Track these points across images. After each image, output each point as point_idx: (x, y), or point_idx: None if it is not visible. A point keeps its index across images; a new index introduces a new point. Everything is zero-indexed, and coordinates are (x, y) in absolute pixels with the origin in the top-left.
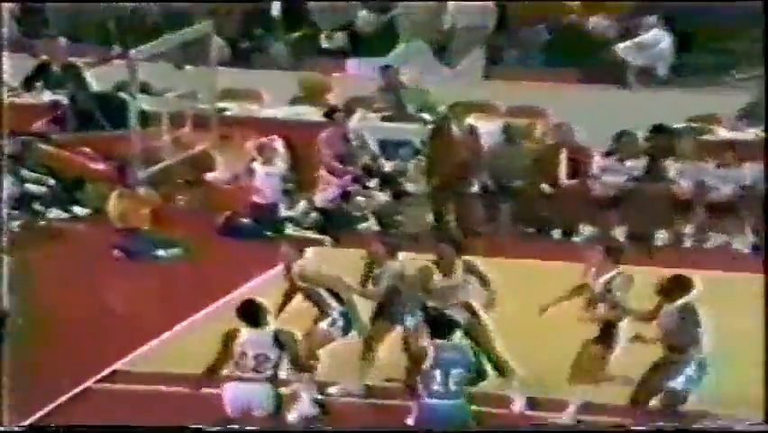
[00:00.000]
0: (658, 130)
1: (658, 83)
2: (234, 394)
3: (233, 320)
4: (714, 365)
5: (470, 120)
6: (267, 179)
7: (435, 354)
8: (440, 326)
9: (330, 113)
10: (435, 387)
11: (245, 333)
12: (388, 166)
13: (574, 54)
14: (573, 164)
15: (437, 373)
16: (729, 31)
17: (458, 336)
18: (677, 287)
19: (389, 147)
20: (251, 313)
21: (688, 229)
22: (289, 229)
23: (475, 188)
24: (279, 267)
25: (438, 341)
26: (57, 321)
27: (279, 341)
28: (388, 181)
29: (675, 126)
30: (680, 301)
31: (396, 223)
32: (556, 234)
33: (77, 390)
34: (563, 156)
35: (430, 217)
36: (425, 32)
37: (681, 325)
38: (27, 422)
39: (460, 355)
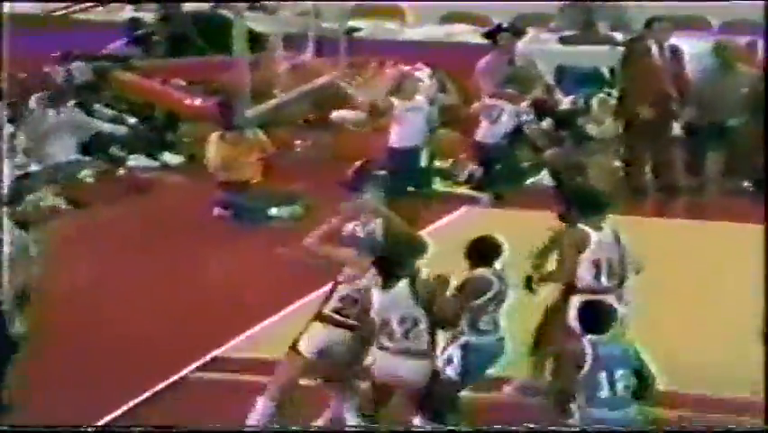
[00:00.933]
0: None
1: None
2: (382, 370)
3: None
4: None
5: (674, 39)
6: (408, 118)
7: (594, 352)
8: (597, 315)
9: (493, 33)
10: (601, 394)
11: (375, 295)
12: (566, 102)
13: None
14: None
15: (602, 376)
16: None
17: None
18: None
19: (569, 78)
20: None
21: None
22: (437, 183)
23: (677, 130)
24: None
25: (594, 336)
26: (142, 297)
27: (420, 296)
28: (565, 122)
29: None
30: None
31: (576, 175)
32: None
33: (170, 380)
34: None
35: (618, 169)
36: None
37: None
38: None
39: (620, 353)
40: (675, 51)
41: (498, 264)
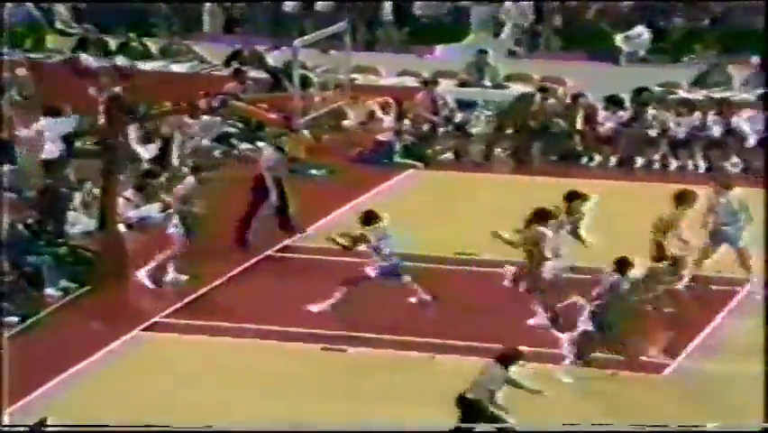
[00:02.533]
0: (640, 91)
1: (639, 61)
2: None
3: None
4: None
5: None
6: (388, 125)
7: None
8: None
9: (424, 82)
10: None
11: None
12: (459, 116)
13: (584, 41)
14: (586, 115)
15: None
16: (687, 29)
17: None
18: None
19: (462, 104)
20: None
21: (656, 157)
22: (396, 158)
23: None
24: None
25: None
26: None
27: None
28: (459, 127)
29: (651, 88)
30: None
31: (464, 154)
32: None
33: (260, 256)
34: (580, 110)
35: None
36: (488, 25)
37: None
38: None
39: None
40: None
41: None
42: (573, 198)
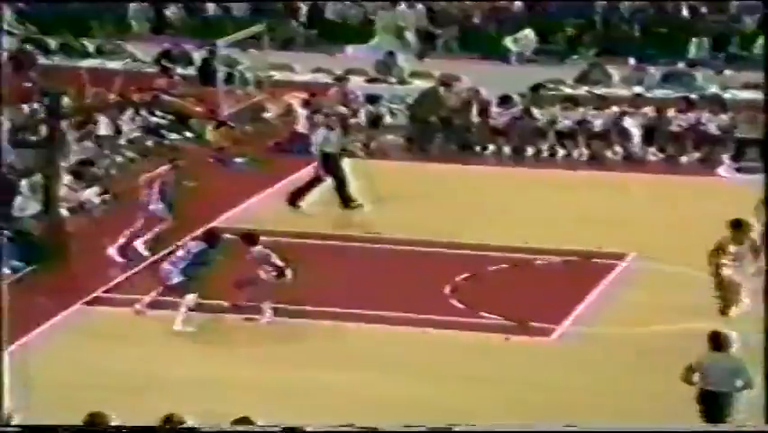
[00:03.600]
0: (533, 89)
1: (527, 61)
2: None
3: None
4: None
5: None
6: (304, 118)
7: None
8: None
9: (338, 79)
10: None
11: None
12: (368, 110)
13: (479, 44)
14: (480, 109)
15: None
16: (571, 28)
17: None
18: None
19: (372, 98)
20: None
21: (545, 147)
22: (312, 148)
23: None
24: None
25: None
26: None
27: None
28: (370, 119)
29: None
30: None
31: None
32: (477, 149)
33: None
34: (474, 104)
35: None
36: (391, 28)
37: None
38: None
39: None
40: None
41: None
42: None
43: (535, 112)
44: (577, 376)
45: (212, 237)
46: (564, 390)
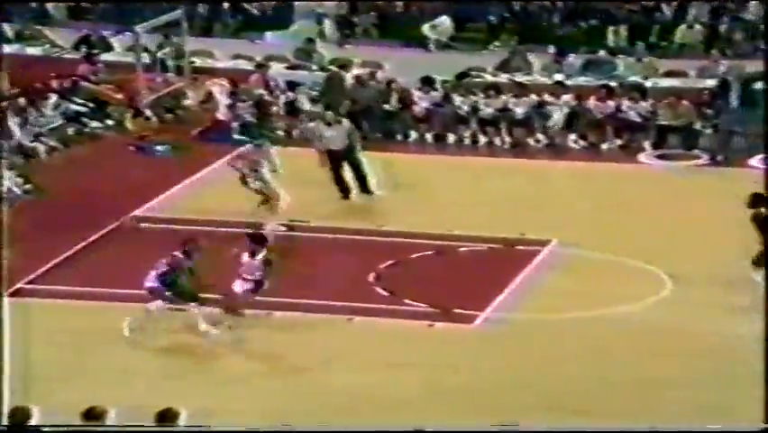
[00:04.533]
0: (459, 76)
1: (445, 48)
2: None
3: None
4: None
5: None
6: (225, 105)
7: None
8: None
9: (258, 65)
10: None
11: None
12: (288, 96)
13: (398, 31)
14: (401, 96)
15: None
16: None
17: None
18: None
19: (293, 85)
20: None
21: (467, 134)
22: (235, 135)
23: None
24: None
25: None
26: (94, 185)
27: None
28: (290, 104)
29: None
30: None
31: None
32: (399, 136)
33: (114, 225)
34: (395, 91)
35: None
36: (310, 15)
37: None
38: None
39: None
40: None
41: None
42: None
43: (457, 100)
44: (498, 361)
45: (189, 250)
46: (484, 374)
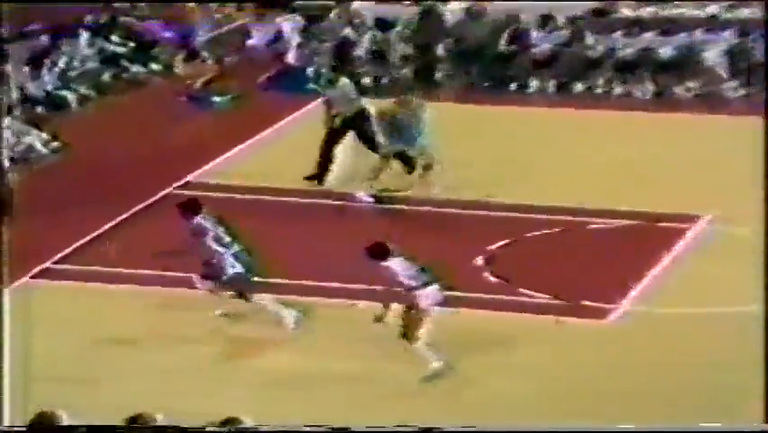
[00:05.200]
0: (596, 13)
1: None
2: None
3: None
4: None
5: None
6: (296, 46)
7: None
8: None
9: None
10: None
11: None
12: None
13: None
14: (517, 35)
15: None
16: None
17: None
18: None
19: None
20: None
21: (600, 82)
22: (309, 85)
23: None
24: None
25: None
26: (136, 145)
27: None
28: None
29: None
30: None
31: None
32: (514, 85)
33: (160, 194)
34: (509, 29)
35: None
36: None
37: None
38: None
39: None
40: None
41: None
42: None
43: (588, 39)
44: (635, 364)
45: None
46: (618, 379)
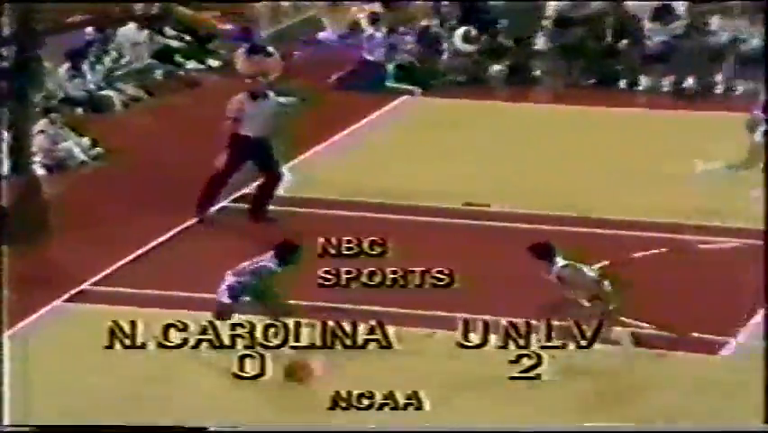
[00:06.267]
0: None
1: None
2: None
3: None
4: None
5: None
6: (375, 40)
7: None
8: None
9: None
10: None
11: None
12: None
13: None
14: (627, 27)
15: None
16: None
17: None
18: None
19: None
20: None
21: (720, 78)
22: (388, 82)
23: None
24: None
25: None
26: (194, 152)
27: None
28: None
29: None
30: None
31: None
32: (623, 83)
33: (216, 207)
34: (611, 21)
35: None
36: None
37: None
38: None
39: None
40: None
41: None
42: None
43: (714, 23)
44: (756, 407)
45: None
46: (731, 419)
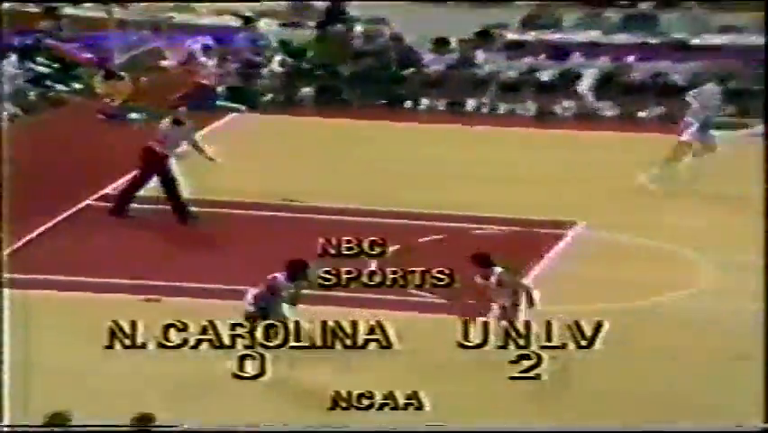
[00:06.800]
0: (480, 34)
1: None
2: None
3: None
4: None
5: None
6: (207, 66)
7: None
8: None
9: (245, 20)
10: None
11: None
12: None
13: None
14: (409, 57)
15: None
16: None
17: None
18: None
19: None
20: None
21: (485, 100)
22: (219, 102)
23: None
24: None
25: None
26: (58, 160)
27: None
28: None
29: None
30: None
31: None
32: (408, 103)
33: (78, 206)
34: (400, 50)
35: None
36: None
37: None
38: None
39: None
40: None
41: None
42: None
43: (479, 57)
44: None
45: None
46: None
